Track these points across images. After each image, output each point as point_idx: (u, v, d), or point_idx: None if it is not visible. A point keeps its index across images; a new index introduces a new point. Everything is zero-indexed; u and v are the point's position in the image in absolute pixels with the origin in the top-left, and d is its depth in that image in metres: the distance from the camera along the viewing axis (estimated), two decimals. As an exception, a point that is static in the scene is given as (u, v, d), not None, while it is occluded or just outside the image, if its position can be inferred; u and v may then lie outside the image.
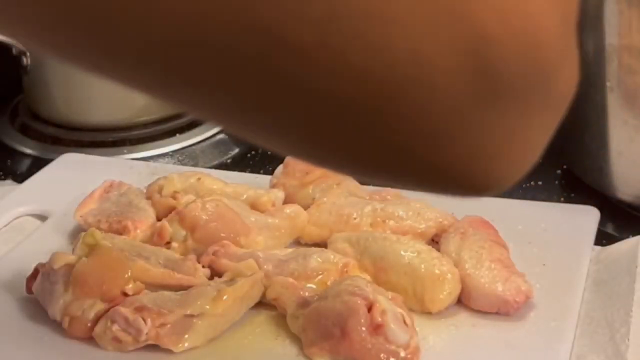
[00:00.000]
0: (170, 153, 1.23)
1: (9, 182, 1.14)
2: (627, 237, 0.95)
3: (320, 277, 0.86)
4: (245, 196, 0.98)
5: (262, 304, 0.86)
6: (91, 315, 0.82)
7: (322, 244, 0.93)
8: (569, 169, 1.11)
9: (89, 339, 0.82)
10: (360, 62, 0.33)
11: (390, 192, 0.98)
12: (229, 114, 0.36)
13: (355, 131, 0.35)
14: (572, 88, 0.39)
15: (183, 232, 0.92)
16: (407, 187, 0.41)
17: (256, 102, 0.35)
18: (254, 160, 1.20)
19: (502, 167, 0.38)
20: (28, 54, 1.24)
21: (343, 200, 0.96)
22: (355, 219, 0.94)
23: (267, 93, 0.34)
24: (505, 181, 0.39)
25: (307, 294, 0.84)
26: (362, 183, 1.00)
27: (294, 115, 0.35)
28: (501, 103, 0.36)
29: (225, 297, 0.82)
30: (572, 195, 1.07)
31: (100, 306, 0.82)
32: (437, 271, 0.85)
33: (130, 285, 0.83)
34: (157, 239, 0.92)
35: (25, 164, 1.21)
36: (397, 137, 0.36)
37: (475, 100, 0.35)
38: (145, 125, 1.26)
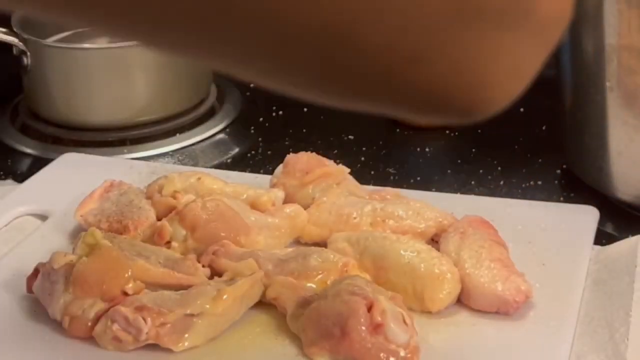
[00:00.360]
0: (170, 153, 1.23)
1: (9, 181, 1.14)
2: (627, 236, 0.95)
3: (320, 276, 0.86)
4: (245, 196, 0.98)
5: (262, 303, 0.86)
6: (91, 314, 0.82)
7: (322, 244, 0.93)
8: (569, 169, 1.10)
9: (89, 338, 0.82)
10: None
11: (390, 192, 0.98)
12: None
13: (339, 57, 0.36)
14: (559, 13, 0.39)
15: (183, 232, 0.92)
16: (397, 112, 0.41)
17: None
18: (254, 160, 1.20)
19: (485, 90, 0.38)
20: (28, 54, 1.24)
21: (343, 199, 0.96)
22: (355, 218, 0.94)
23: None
24: (491, 104, 0.39)
25: (307, 293, 0.84)
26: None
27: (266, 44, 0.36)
28: (479, 23, 0.36)
29: (225, 297, 0.82)
30: (572, 195, 1.07)
31: (100, 306, 0.82)
32: (436, 271, 0.85)
33: (131, 285, 0.83)
34: (157, 238, 0.92)
35: (26, 163, 1.21)
36: (379, 60, 0.36)
37: (452, 20, 0.35)
38: (145, 125, 1.26)
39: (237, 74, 0.40)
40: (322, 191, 0.98)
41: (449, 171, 1.15)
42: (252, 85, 1.39)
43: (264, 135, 1.26)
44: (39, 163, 1.16)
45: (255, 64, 0.38)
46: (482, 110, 0.40)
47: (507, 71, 0.38)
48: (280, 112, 1.32)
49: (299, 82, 0.39)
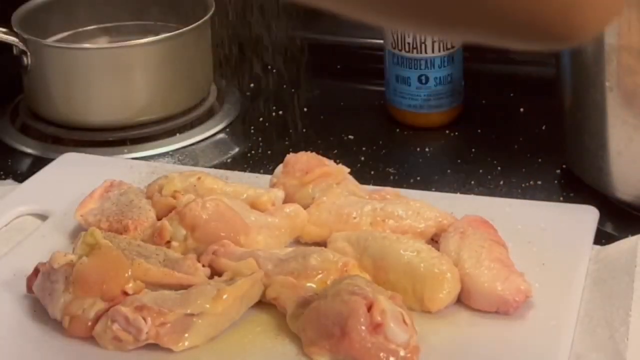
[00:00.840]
0: (170, 153, 1.23)
1: (9, 181, 1.14)
2: (627, 236, 0.95)
3: (320, 276, 0.86)
4: (245, 195, 0.98)
5: (262, 303, 0.86)
6: (91, 314, 0.82)
7: (322, 244, 0.93)
8: (569, 169, 1.10)
9: (90, 338, 0.82)
10: None
11: (389, 192, 0.98)
12: None
13: None
14: None
15: (183, 232, 0.92)
16: (495, 39, 0.41)
17: None
18: (254, 159, 1.20)
19: (578, 12, 0.38)
20: (28, 53, 1.24)
21: (343, 199, 0.96)
22: (354, 218, 0.94)
23: None
24: (585, 28, 0.39)
25: (307, 293, 0.84)
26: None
27: None
28: None
29: (225, 297, 0.82)
30: (572, 194, 1.07)
31: (100, 305, 0.82)
32: (436, 270, 0.85)
33: (131, 285, 0.83)
34: (157, 238, 0.92)
35: (26, 163, 1.21)
36: None
37: None
38: (145, 124, 1.26)
39: None
40: (322, 191, 0.98)
41: (448, 171, 1.15)
42: (252, 85, 1.39)
43: (263, 135, 1.26)
44: (39, 163, 1.16)
45: None
46: (576, 34, 0.40)
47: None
48: (280, 112, 1.32)
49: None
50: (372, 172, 1.14)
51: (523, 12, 0.38)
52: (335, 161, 1.03)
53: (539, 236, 0.94)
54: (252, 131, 1.27)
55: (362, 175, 1.07)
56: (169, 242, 0.92)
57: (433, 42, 1.21)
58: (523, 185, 1.10)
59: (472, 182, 1.12)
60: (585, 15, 0.39)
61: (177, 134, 1.26)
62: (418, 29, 0.42)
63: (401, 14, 0.40)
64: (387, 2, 0.38)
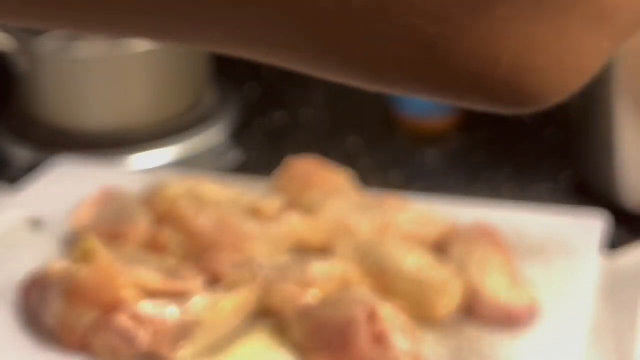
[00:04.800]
0: (168, 158, 1.23)
1: (3, 187, 1.14)
2: (635, 243, 0.95)
3: (320, 284, 0.86)
4: (244, 202, 0.98)
5: (261, 311, 0.86)
6: (87, 323, 0.82)
7: (323, 251, 0.93)
8: (577, 174, 1.11)
9: (85, 347, 0.82)
10: None
11: (392, 197, 0.98)
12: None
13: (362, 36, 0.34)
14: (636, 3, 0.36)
15: (180, 238, 0.92)
16: (439, 98, 0.39)
17: None
18: (254, 165, 1.20)
19: (530, 81, 0.36)
20: (23, 58, 1.24)
21: (344, 206, 0.96)
22: (356, 225, 0.94)
23: None
24: (542, 96, 0.37)
25: (307, 301, 0.84)
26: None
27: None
28: (518, 5, 0.33)
29: (223, 305, 0.82)
30: (579, 200, 1.08)
31: (95, 314, 0.82)
32: (439, 279, 0.85)
33: (127, 293, 0.83)
34: (154, 245, 0.92)
35: (20, 169, 1.22)
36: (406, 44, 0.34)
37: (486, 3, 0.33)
38: (142, 130, 1.26)
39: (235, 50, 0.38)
40: (323, 197, 0.98)
41: (452, 176, 1.16)
42: (252, 89, 1.39)
43: (264, 140, 1.27)
44: (33, 168, 1.17)
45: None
46: (532, 102, 0.37)
47: (555, 63, 0.36)
48: (281, 117, 1.32)
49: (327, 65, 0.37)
50: (375, 178, 1.14)
51: (470, 78, 0.36)
52: (337, 166, 1.03)
53: (545, 243, 0.94)
54: (252, 136, 1.28)
55: (365, 181, 1.07)
56: (165, 249, 0.92)
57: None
58: (529, 190, 1.11)
59: (478, 188, 1.13)
60: (542, 84, 0.37)
61: (175, 139, 1.26)
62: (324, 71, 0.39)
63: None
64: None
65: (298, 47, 0.34)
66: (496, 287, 0.85)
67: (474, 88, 0.35)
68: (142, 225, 0.95)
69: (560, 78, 0.35)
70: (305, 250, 0.94)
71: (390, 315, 0.79)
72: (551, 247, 0.94)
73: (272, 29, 0.34)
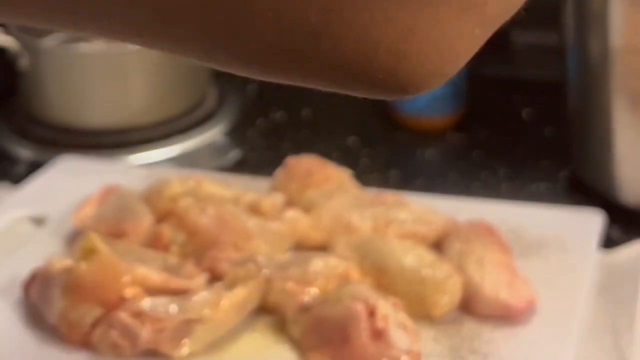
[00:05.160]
0: (169, 156, 1.23)
1: (5, 185, 1.14)
2: (632, 240, 0.95)
3: (320, 281, 0.86)
4: (245, 200, 0.98)
5: (261, 308, 0.86)
6: (89, 320, 0.82)
7: (323, 249, 0.93)
8: (574, 172, 1.11)
9: (87, 344, 0.82)
10: None
11: (392, 196, 0.98)
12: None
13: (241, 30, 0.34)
14: None
15: (182, 236, 0.92)
16: (320, 86, 0.40)
17: None
18: (254, 163, 1.20)
19: (405, 67, 0.37)
20: (25, 55, 1.24)
21: (344, 203, 0.96)
22: (356, 223, 0.94)
23: None
24: (416, 82, 0.38)
25: (307, 298, 0.84)
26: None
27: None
28: None
29: (224, 302, 0.82)
30: (577, 198, 1.07)
31: (97, 311, 0.82)
32: (438, 276, 0.85)
33: (129, 290, 0.83)
34: (156, 243, 0.92)
35: (22, 167, 1.21)
36: (285, 37, 0.34)
37: None
38: (143, 128, 1.26)
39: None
40: (323, 195, 0.98)
41: (451, 174, 1.16)
42: (252, 87, 1.39)
43: (264, 138, 1.27)
44: (35, 166, 1.16)
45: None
46: (410, 87, 0.38)
47: (430, 46, 0.36)
48: (281, 115, 1.32)
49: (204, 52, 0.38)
50: (374, 176, 1.14)
51: (348, 62, 0.36)
52: (336, 165, 1.02)
53: (543, 240, 0.94)
54: (252, 134, 1.28)
55: (364, 179, 1.07)
56: (167, 246, 0.92)
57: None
58: (527, 189, 1.11)
59: (476, 186, 1.12)
60: (419, 69, 0.38)
61: (176, 137, 1.26)
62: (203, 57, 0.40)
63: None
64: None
65: (192, 38, 0.35)
66: (495, 284, 0.85)
67: (357, 75, 0.36)
68: (144, 223, 0.95)
69: (435, 63, 0.36)
70: (306, 248, 0.94)
71: (390, 312, 0.79)
72: (549, 244, 0.94)
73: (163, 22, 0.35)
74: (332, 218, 0.95)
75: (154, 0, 0.34)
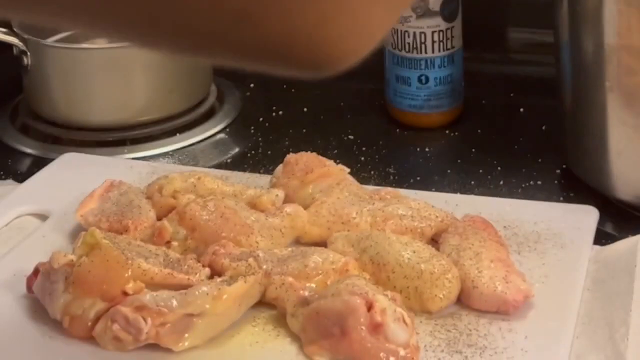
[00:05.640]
0: (170, 153, 1.23)
1: (9, 181, 1.14)
2: (627, 236, 0.95)
3: (320, 276, 0.86)
4: (245, 196, 0.98)
5: (262, 303, 0.86)
6: (91, 314, 0.82)
7: (322, 244, 0.93)
8: (569, 169, 1.10)
9: (90, 338, 0.82)
10: None
11: (389, 192, 0.98)
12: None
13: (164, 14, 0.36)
14: None
15: (183, 232, 0.92)
16: (244, 65, 0.42)
17: None
18: (254, 159, 1.20)
19: (323, 47, 0.39)
20: (28, 53, 1.24)
21: (343, 199, 0.96)
22: (355, 218, 0.94)
23: None
24: (333, 61, 0.40)
25: (306, 293, 0.84)
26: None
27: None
28: None
29: (225, 297, 0.82)
30: (572, 194, 1.07)
31: (100, 305, 0.82)
32: (436, 270, 0.85)
33: (131, 285, 0.83)
34: (157, 238, 0.92)
35: (26, 163, 1.21)
36: (205, 20, 0.36)
37: None
38: (145, 124, 1.26)
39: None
40: (322, 191, 0.98)
41: (448, 171, 1.15)
42: (252, 85, 1.39)
43: (264, 135, 1.26)
44: (39, 163, 1.16)
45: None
46: (329, 65, 0.40)
47: (345, 29, 0.38)
48: (280, 112, 1.32)
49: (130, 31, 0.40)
50: (372, 172, 1.15)
51: (272, 39, 0.39)
52: (335, 161, 1.02)
53: (539, 236, 0.94)
54: (252, 131, 1.28)
55: (362, 175, 1.07)
56: (169, 242, 0.92)
57: (433, 43, 1.21)
58: (523, 185, 1.10)
59: (472, 182, 1.12)
60: (335, 49, 0.40)
61: (177, 134, 1.26)
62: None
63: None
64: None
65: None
66: (491, 278, 0.85)
67: (280, 55, 0.38)
68: (146, 219, 0.95)
69: (350, 44, 0.39)
70: (305, 243, 0.95)
71: (389, 306, 0.79)
72: (545, 239, 0.94)
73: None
74: (331, 214, 0.95)
75: None
